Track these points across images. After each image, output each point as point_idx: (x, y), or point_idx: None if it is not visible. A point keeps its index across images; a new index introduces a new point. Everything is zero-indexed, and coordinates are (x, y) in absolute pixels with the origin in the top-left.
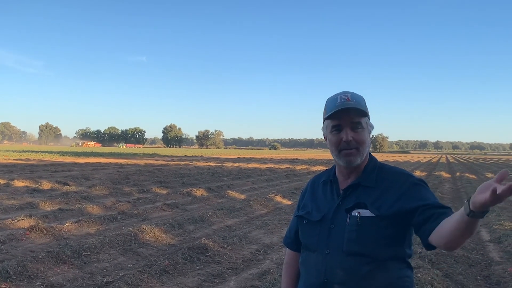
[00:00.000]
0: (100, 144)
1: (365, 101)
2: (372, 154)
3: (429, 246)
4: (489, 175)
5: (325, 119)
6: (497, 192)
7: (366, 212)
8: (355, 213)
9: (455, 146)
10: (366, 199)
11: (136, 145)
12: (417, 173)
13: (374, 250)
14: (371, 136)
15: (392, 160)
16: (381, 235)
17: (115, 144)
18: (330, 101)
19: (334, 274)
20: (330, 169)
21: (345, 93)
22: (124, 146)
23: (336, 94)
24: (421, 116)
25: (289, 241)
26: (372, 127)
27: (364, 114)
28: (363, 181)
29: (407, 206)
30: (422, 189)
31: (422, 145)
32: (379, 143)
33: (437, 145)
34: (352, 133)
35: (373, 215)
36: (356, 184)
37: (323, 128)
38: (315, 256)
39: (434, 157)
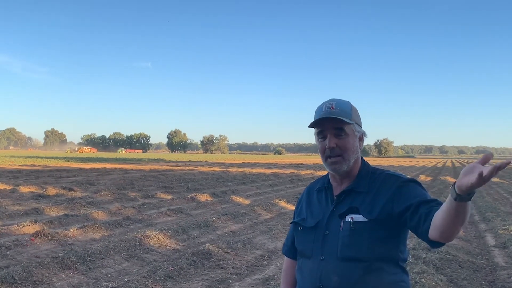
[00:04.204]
0: (96, 150)
1: (351, 108)
2: (378, 158)
3: (434, 245)
4: (495, 179)
5: (309, 127)
6: (483, 175)
7: (358, 217)
8: (348, 218)
9: (460, 150)
10: (359, 204)
11: (136, 151)
12: (422, 178)
13: (368, 255)
14: (376, 141)
15: (397, 165)
16: (375, 239)
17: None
18: (317, 110)
19: (329, 280)
20: (325, 176)
21: (330, 101)
22: (123, 152)
23: (323, 102)
24: (426, 120)
25: (286, 249)
26: (362, 133)
27: (348, 121)
28: (356, 187)
29: (397, 207)
30: (410, 188)
31: (428, 150)
32: (384, 147)
33: (442, 150)
34: (336, 139)
35: (366, 220)
36: (349, 190)
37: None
38: (310, 262)
39: (440, 162)
